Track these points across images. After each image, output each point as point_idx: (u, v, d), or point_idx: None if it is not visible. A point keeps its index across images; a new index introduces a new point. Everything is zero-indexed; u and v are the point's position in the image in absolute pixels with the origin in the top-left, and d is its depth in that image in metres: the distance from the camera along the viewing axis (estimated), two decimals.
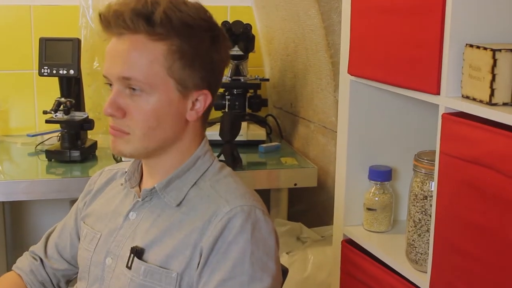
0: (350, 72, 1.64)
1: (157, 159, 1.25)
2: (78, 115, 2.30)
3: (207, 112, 1.26)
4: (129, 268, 1.22)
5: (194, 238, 1.19)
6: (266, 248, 1.18)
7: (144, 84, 1.17)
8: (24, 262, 1.44)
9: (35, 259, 1.44)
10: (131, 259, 1.22)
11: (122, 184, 1.34)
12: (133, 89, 1.17)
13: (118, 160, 2.20)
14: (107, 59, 1.20)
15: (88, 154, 2.32)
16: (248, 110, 2.60)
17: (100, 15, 1.19)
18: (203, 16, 1.21)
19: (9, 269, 1.46)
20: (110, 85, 1.21)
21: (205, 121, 1.28)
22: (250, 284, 1.15)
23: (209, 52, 1.21)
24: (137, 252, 1.22)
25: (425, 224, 1.45)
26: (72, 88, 2.32)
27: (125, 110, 1.18)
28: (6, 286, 1.41)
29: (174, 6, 1.16)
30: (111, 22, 1.17)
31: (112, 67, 1.19)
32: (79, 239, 1.39)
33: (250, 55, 2.59)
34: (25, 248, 1.50)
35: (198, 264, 1.18)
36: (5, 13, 2.57)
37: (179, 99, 1.20)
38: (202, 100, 1.22)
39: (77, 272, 1.37)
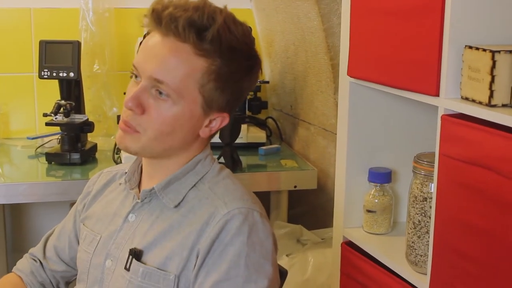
0: (350, 74, 1.64)
1: (159, 162, 1.25)
2: (78, 118, 2.29)
3: (219, 131, 1.27)
4: (128, 269, 1.22)
5: (191, 240, 1.19)
6: (263, 250, 1.18)
7: (173, 92, 1.15)
8: (24, 264, 1.45)
9: (34, 260, 1.44)
10: (129, 260, 1.22)
11: (120, 184, 1.34)
12: (160, 93, 1.16)
13: (117, 163, 2.20)
14: (144, 53, 1.18)
15: (88, 157, 2.32)
16: (248, 113, 2.60)
17: (153, 10, 1.16)
18: (248, 41, 1.21)
19: (9, 271, 1.46)
20: (135, 76, 1.19)
21: (213, 136, 1.28)
22: (244, 286, 1.14)
23: (242, 79, 1.21)
24: (136, 254, 1.22)
25: (425, 226, 1.45)
26: (72, 91, 2.32)
27: (144, 108, 1.17)
28: (6, 287, 1.41)
29: (227, 26, 1.16)
30: (163, 22, 1.14)
31: (147, 63, 1.16)
32: (78, 241, 1.39)
33: None
34: (25, 250, 1.50)
35: (195, 266, 1.18)
36: (5, 16, 2.57)
37: (200, 115, 1.20)
38: (219, 120, 1.23)
39: (76, 275, 1.37)
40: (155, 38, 1.17)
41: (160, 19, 1.15)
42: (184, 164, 1.25)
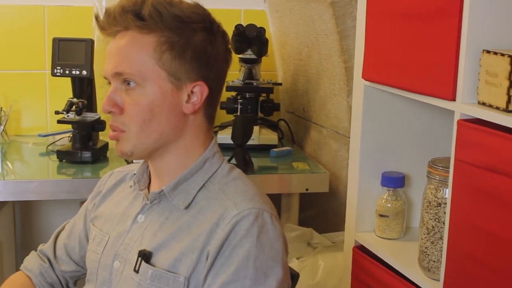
0: (364, 77, 1.63)
1: (161, 159, 1.24)
2: (90, 116, 2.29)
3: (209, 108, 1.25)
4: (137, 272, 1.21)
5: (201, 241, 1.18)
6: (272, 252, 1.17)
7: (135, 77, 1.18)
8: (33, 263, 1.44)
9: (43, 260, 1.43)
10: (138, 262, 1.21)
11: (131, 186, 1.33)
12: (128, 83, 1.19)
13: (129, 162, 2.19)
14: (105, 60, 1.23)
15: (99, 155, 2.31)
16: (260, 114, 2.59)
17: (97, 20, 1.22)
18: (196, 11, 1.22)
19: (18, 268, 1.45)
20: (109, 83, 1.23)
21: (209, 118, 1.26)
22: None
23: (202, 44, 1.20)
24: (145, 256, 1.21)
25: (439, 231, 1.43)
26: (84, 89, 2.31)
27: (122, 107, 1.20)
28: (15, 287, 1.40)
29: (164, 1, 1.19)
30: (105, 22, 1.20)
31: (107, 65, 1.22)
32: (88, 240, 1.38)
33: (263, 59, 2.57)
34: (34, 248, 1.49)
35: (205, 268, 1.17)
36: (19, 13, 2.58)
37: (173, 90, 1.20)
38: (198, 92, 1.21)
39: (85, 273, 1.37)
40: (110, 43, 1.22)
41: (103, 25, 1.21)
42: (187, 157, 1.24)
